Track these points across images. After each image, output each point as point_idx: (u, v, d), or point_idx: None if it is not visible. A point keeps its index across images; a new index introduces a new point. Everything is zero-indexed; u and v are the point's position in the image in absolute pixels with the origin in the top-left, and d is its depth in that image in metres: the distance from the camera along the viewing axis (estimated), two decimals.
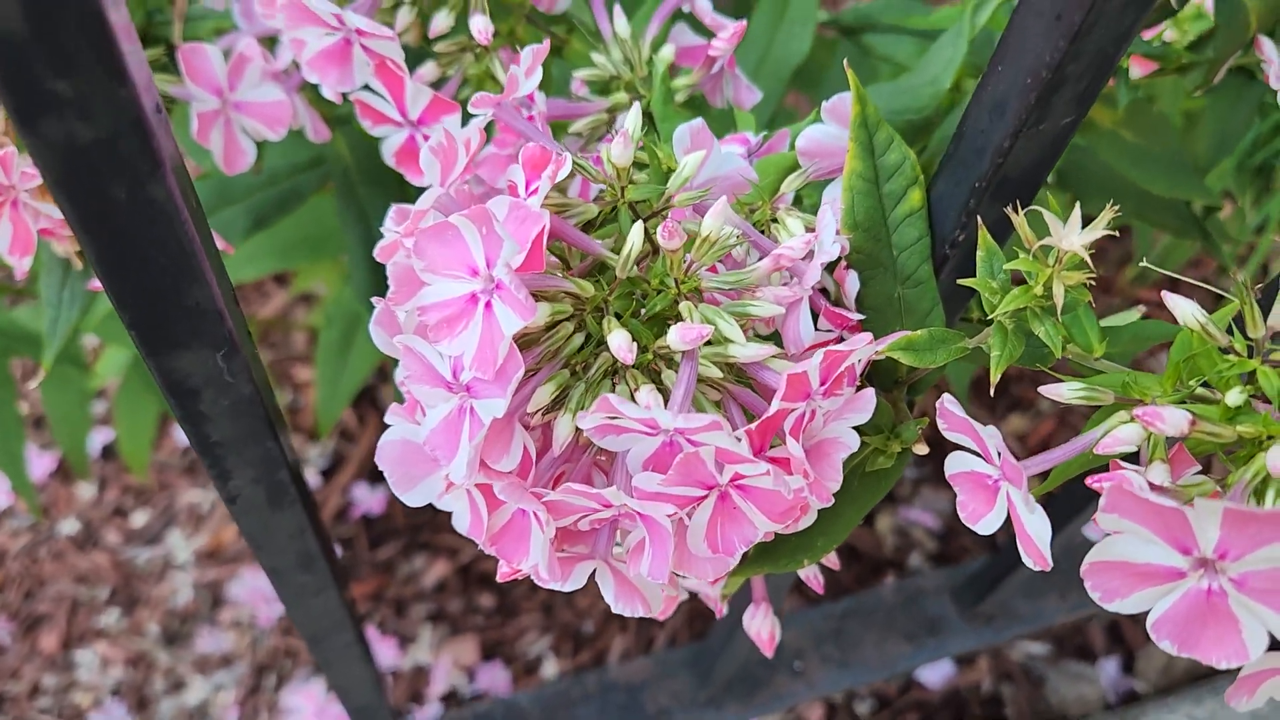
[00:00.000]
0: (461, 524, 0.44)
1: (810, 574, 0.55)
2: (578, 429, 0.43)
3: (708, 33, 0.60)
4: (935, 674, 1.39)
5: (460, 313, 0.40)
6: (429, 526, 1.52)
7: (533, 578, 0.43)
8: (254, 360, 0.40)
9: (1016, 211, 0.41)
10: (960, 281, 0.43)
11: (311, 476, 1.56)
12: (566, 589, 0.43)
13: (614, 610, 0.44)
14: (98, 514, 1.57)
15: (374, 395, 1.62)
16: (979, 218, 0.46)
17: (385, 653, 1.41)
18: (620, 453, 0.42)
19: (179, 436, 1.62)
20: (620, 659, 1.43)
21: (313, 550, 0.53)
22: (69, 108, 0.28)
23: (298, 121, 0.64)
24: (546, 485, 0.44)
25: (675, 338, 0.40)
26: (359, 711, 0.78)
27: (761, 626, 0.58)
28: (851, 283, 0.48)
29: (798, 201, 0.52)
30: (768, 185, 0.51)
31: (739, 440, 0.41)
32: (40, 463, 1.59)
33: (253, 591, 1.47)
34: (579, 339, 0.43)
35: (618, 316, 0.43)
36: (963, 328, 0.53)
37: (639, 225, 0.42)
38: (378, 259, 0.45)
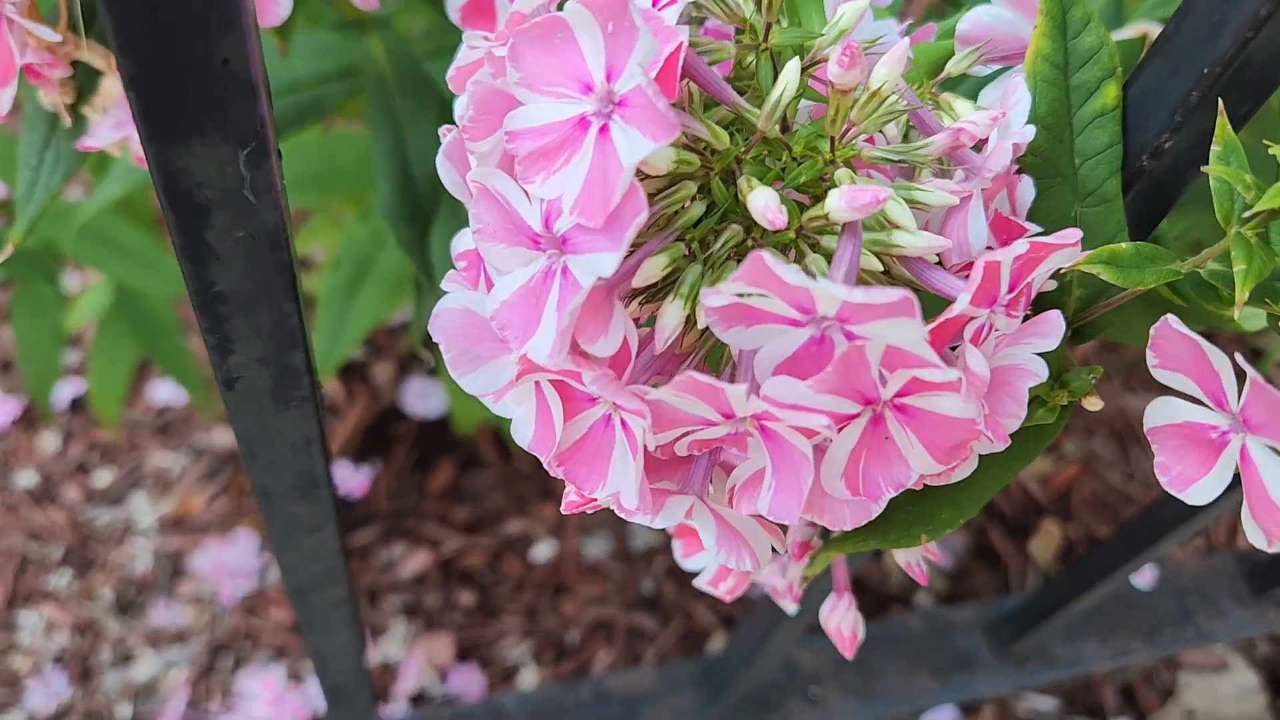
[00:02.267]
0: (523, 434, 0.34)
1: (914, 559, 0.45)
2: (687, 323, 0.33)
3: None
4: (940, 717, 1.30)
5: (564, 141, 0.30)
6: (413, 514, 1.41)
7: (613, 507, 0.33)
8: (282, 179, 0.31)
9: None
10: (1207, 170, 0.33)
11: None
12: (657, 524, 0.33)
13: (714, 556, 0.35)
14: (59, 468, 1.46)
15: (365, 369, 1.52)
16: (1196, 123, 0.37)
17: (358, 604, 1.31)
18: (744, 353, 0.33)
19: (153, 394, 1.51)
20: (605, 672, 1.32)
21: (317, 472, 0.43)
22: None
23: None
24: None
25: (840, 203, 0.30)
26: (335, 690, 0.67)
27: (843, 621, 0.48)
28: (1025, 190, 0.39)
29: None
30: (918, 74, 0.42)
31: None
32: (3, 407, 1.48)
33: (217, 565, 1.36)
34: (699, 207, 0.34)
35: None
36: None
37: (795, 62, 0.33)
38: (451, 87, 0.35)
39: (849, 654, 0.48)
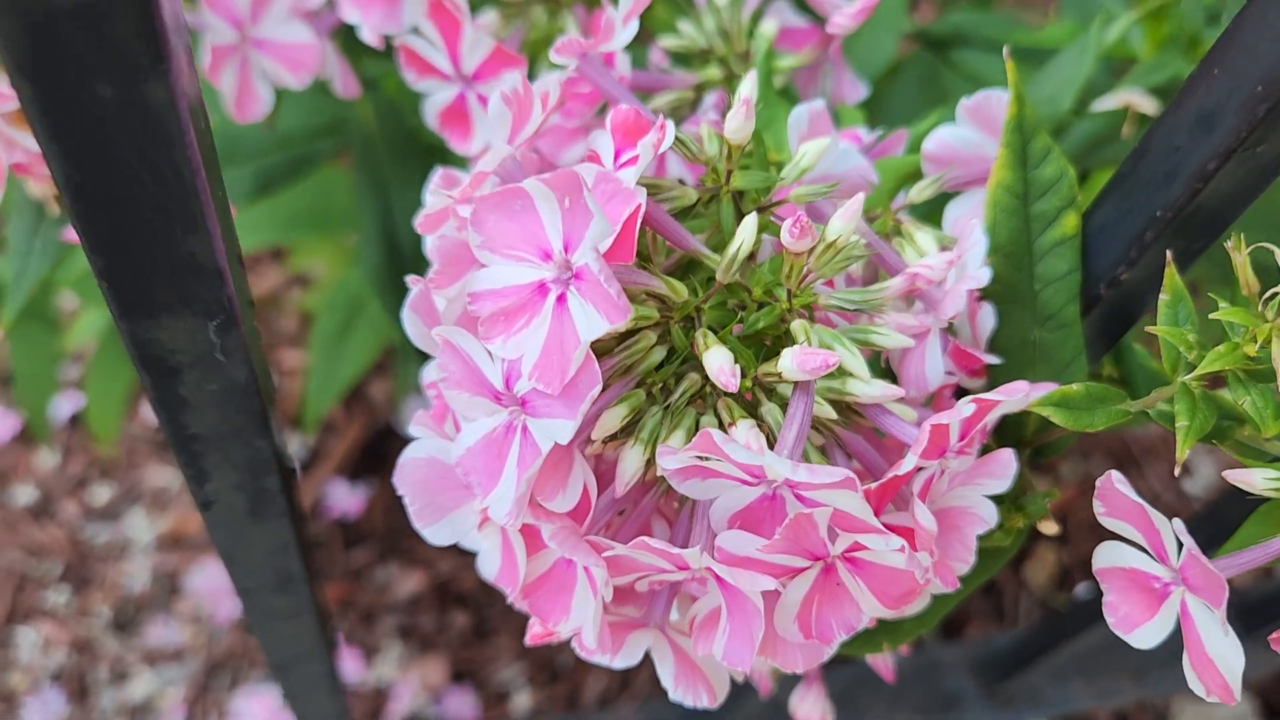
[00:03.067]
0: (489, 568, 0.35)
1: (881, 659, 0.46)
2: (647, 464, 0.34)
3: (811, 13, 0.52)
4: None
5: (523, 305, 0.31)
6: (408, 535, 1.42)
7: (574, 646, 0.34)
8: (253, 338, 0.32)
9: (1239, 250, 0.32)
10: (1151, 329, 0.34)
11: None
12: (617, 665, 0.34)
13: (671, 697, 0.36)
14: (57, 485, 1.47)
15: (363, 388, 1.53)
16: (1149, 258, 0.38)
17: (349, 665, 1.32)
18: (701, 502, 0.34)
19: (151, 410, 1.52)
20: (598, 696, 1.34)
21: (294, 570, 0.44)
22: None
23: (325, 71, 0.55)
24: (602, 532, 0.35)
25: (792, 364, 0.31)
26: None
27: (812, 711, 0.49)
28: (985, 318, 0.40)
29: (914, 214, 0.44)
30: (883, 192, 0.43)
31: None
32: (3, 423, 1.49)
33: (213, 584, 1.37)
34: (660, 353, 0.34)
35: (712, 330, 0.34)
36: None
37: (752, 217, 0.33)
38: (419, 230, 0.36)
39: None
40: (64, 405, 1.51)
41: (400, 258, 0.69)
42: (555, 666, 1.35)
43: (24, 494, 1.46)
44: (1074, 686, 1.02)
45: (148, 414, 1.52)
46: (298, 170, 0.77)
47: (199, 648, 1.36)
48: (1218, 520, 0.38)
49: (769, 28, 0.48)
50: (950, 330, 0.41)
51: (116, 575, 1.41)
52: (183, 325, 0.29)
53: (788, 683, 0.63)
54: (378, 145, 0.73)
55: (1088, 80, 0.62)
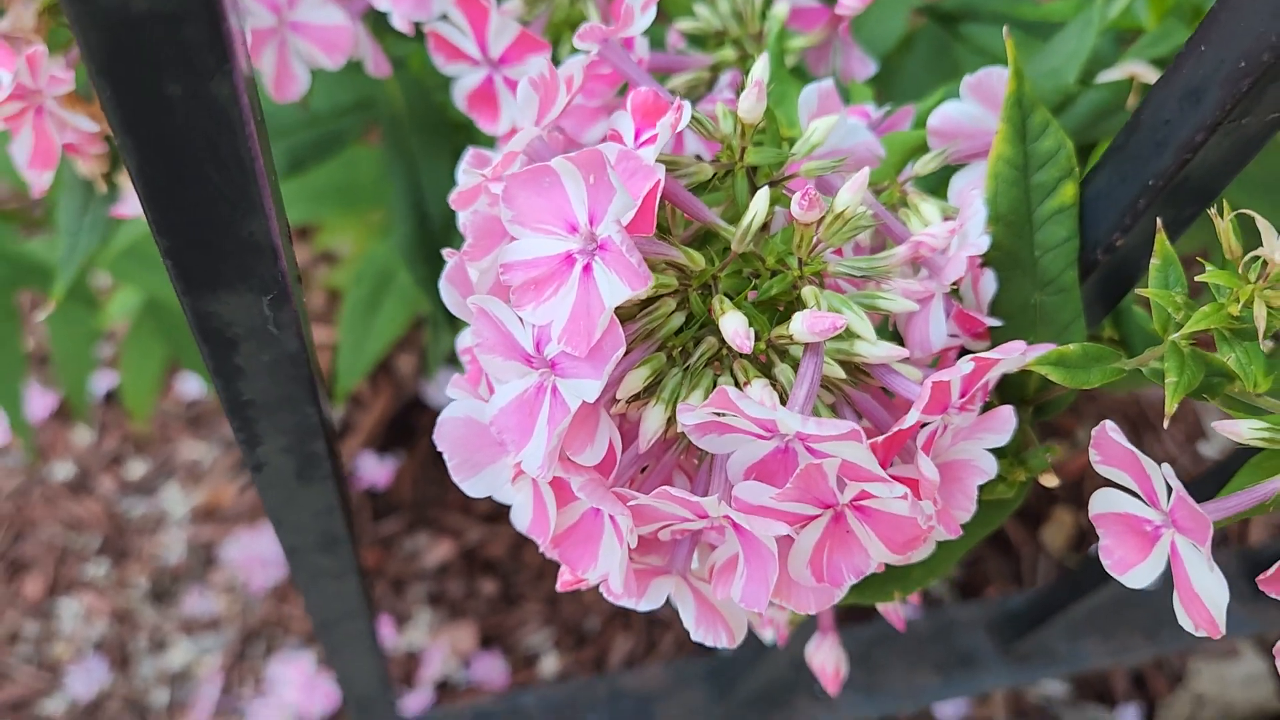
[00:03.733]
0: (521, 519, 0.38)
1: (892, 609, 0.49)
2: (668, 422, 0.37)
3: None
4: (949, 706, 1.33)
5: (552, 274, 0.34)
6: (436, 504, 1.45)
7: (601, 591, 0.37)
8: (302, 312, 0.34)
9: (1221, 216, 0.34)
10: (1140, 291, 0.36)
11: None
12: (641, 608, 0.37)
13: (693, 637, 0.38)
14: (94, 460, 1.51)
15: (389, 362, 1.56)
16: (1143, 225, 0.40)
17: (380, 632, 1.36)
18: (718, 456, 0.36)
19: (184, 387, 1.56)
20: (624, 659, 1.37)
21: (338, 531, 0.47)
22: None
23: (357, 52, 0.58)
24: (625, 485, 0.38)
25: (802, 327, 0.34)
26: (359, 701, 0.72)
27: (828, 659, 0.52)
28: (987, 283, 0.42)
29: (920, 186, 0.46)
30: (891, 165, 0.45)
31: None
32: (41, 402, 1.53)
33: (247, 555, 1.41)
34: (679, 319, 0.37)
35: (728, 297, 0.36)
36: None
37: (764, 192, 0.36)
38: (453, 206, 0.39)
39: (832, 690, 0.52)
40: (99, 383, 1.55)
41: (430, 230, 0.71)
42: (582, 630, 1.39)
43: (62, 470, 1.50)
44: (1089, 644, 1.04)
45: (180, 390, 1.56)
46: (328, 148, 0.79)
47: (234, 617, 1.40)
48: (1226, 475, 0.41)
49: (781, 9, 0.50)
50: (955, 295, 0.43)
51: (153, 547, 1.45)
52: (240, 300, 0.32)
53: (803, 638, 0.66)
54: (405, 122, 0.76)
55: (1092, 54, 0.64)
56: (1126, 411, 1.62)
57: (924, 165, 0.43)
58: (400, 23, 0.50)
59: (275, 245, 0.30)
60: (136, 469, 1.51)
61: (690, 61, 0.50)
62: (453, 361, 0.76)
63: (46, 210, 1.12)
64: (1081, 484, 1.54)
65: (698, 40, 0.52)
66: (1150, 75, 0.63)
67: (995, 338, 0.43)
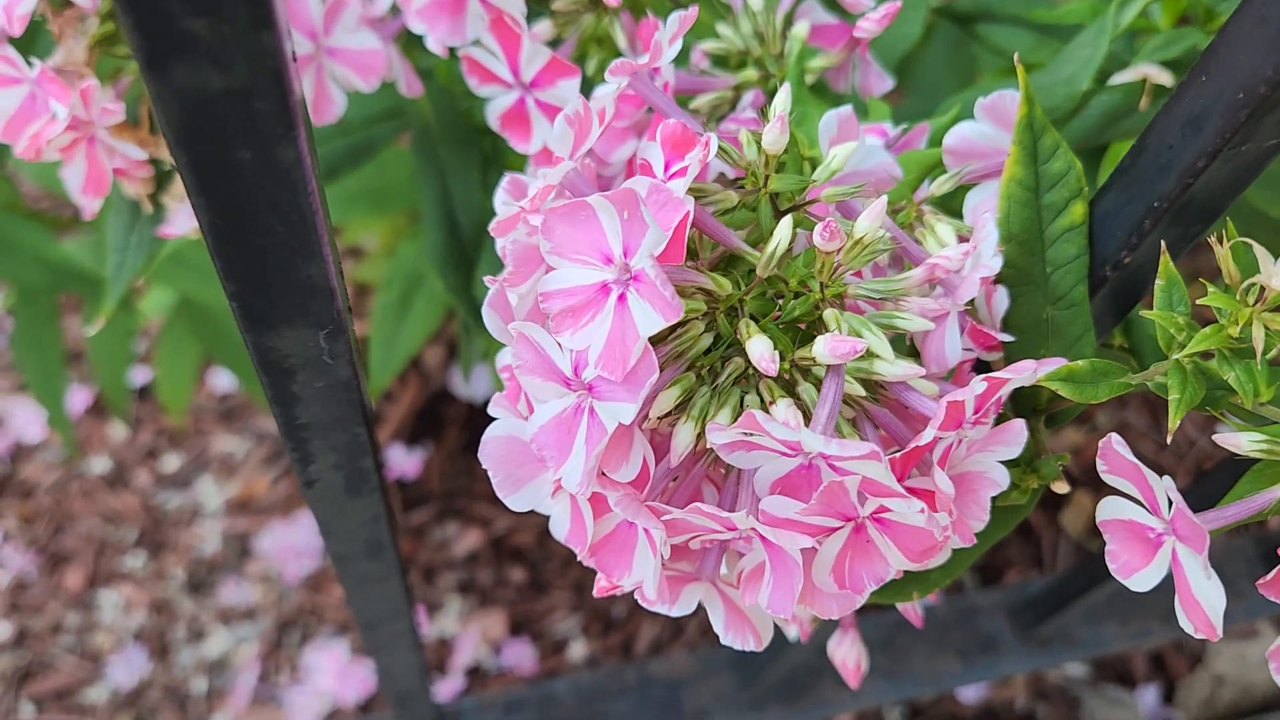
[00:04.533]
0: (560, 529, 0.40)
1: (910, 607, 0.51)
2: (698, 438, 0.39)
3: (840, 10, 0.56)
4: (970, 688, 1.35)
5: (588, 303, 0.36)
6: (464, 494, 1.48)
7: (636, 597, 0.39)
8: (353, 341, 0.36)
9: (1221, 243, 0.36)
10: (1145, 314, 0.38)
11: None
12: (674, 613, 0.39)
13: (723, 640, 0.41)
14: (130, 454, 1.55)
15: (417, 355, 1.59)
16: (1151, 244, 0.42)
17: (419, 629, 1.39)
18: (746, 470, 0.38)
19: (217, 382, 1.59)
20: (650, 644, 1.40)
21: (383, 539, 0.50)
22: (204, 52, 0.24)
23: (390, 73, 0.60)
24: (659, 497, 0.40)
25: (824, 350, 0.36)
26: (400, 696, 0.75)
27: (849, 654, 0.54)
28: (1000, 299, 0.44)
29: (936, 203, 0.48)
30: (907, 184, 0.47)
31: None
32: (77, 397, 1.57)
33: (281, 546, 1.45)
34: (707, 339, 0.39)
35: (754, 319, 0.39)
36: (1103, 354, 0.49)
37: (788, 220, 0.38)
38: (493, 234, 0.41)
39: (853, 684, 0.54)
40: (134, 378, 1.58)
41: (460, 238, 0.73)
42: (610, 617, 1.41)
43: (99, 464, 1.53)
44: (1107, 628, 1.06)
45: (214, 384, 1.59)
46: (359, 156, 0.81)
47: (270, 606, 1.43)
48: (1240, 469, 0.42)
49: (801, 29, 0.52)
50: (971, 311, 0.45)
51: (189, 539, 1.48)
52: (298, 335, 0.34)
53: (827, 630, 0.68)
54: (434, 132, 0.78)
55: (1106, 60, 0.65)
56: (1146, 396, 1.63)
57: (939, 186, 0.45)
58: (435, 46, 0.52)
59: (332, 286, 0.32)
60: (171, 462, 1.54)
61: (714, 83, 0.52)
62: (484, 363, 0.78)
63: (76, 211, 1.15)
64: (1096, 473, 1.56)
65: (721, 60, 0.54)
66: (1162, 77, 0.64)
67: (1009, 351, 0.45)
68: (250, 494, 1.51)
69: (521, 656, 1.37)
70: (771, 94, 0.52)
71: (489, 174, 0.75)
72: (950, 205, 0.49)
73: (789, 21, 0.54)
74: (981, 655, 1.05)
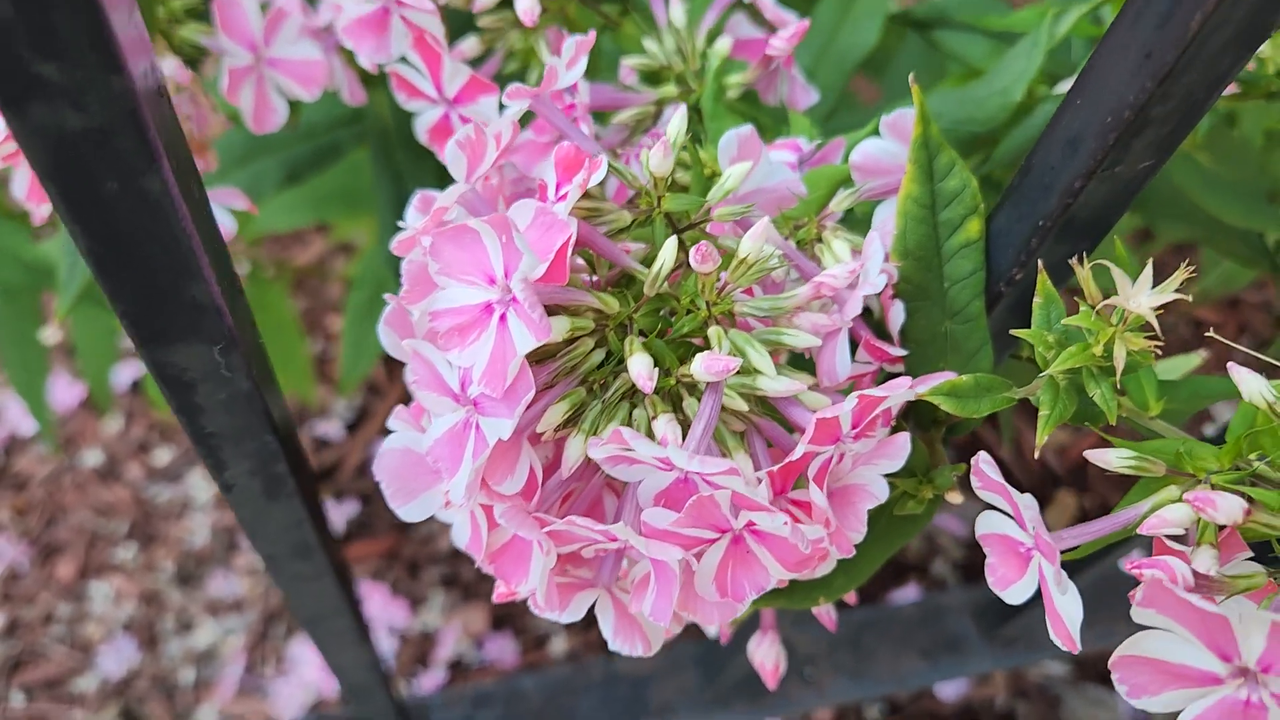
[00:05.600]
0: (460, 538, 0.42)
1: (823, 610, 0.52)
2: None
3: (768, 25, 0.57)
4: (949, 685, 1.37)
5: (473, 322, 0.37)
6: None
7: (529, 604, 0.41)
8: (256, 352, 0.38)
9: (1081, 263, 0.38)
10: (1014, 332, 0.39)
11: (336, 430, 1.55)
12: (564, 619, 0.41)
13: (611, 647, 0.42)
14: (122, 448, 1.57)
15: None
16: (1040, 259, 0.43)
17: (395, 614, 1.41)
18: (632, 483, 0.40)
19: None
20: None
21: (309, 541, 0.51)
22: (58, 94, 0.25)
23: (333, 82, 0.61)
24: (554, 505, 0.42)
25: (700, 369, 0.37)
26: (354, 689, 0.76)
27: (766, 656, 0.55)
28: (896, 314, 0.45)
29: (849, 213, 0.49)
30: (816, 199, 0.48)
31: (759, 482, 0.38)
32: (71, 391, 1.59)
33: None
34: (599, 355, 0.41)
35: (642, 335, 0.40)
36: (1012, 366, 0.50)
37: (671, 242, 0.39)
38: (394, 252, 0.42)
39: (771, 685, 0.55)
40: (125, 373, 1.60)
41: None
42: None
43: (92, 457, 1.56)
44: None
45: None
46: (323, 159, 0.83)
47: (256, 599, 1.45)
48: None
49: (722, 46, 0.53)
50: (868, 315, 0.46)
51: (179, 532, 1.50)
52: (192, 350, 0.36)
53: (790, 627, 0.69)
54: (392, 137, 0.79)
55: (1056, 65, 0.66)
56: None
57: (839, 203, 0.46)
58: (364, 62, 0.53)
59: (218, 305, 0.34)
60: (162, 456, 1.56)
61: (635, 99, 0.53)
62: None
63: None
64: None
65: (650, 74, 0.55)
66: None
67: (909, 364, 0.46)
68: None
69: (503, 650, 1.39)
70: (694, 108, 0.53)
71: (445, 179, 0.76)
72: (864, 220, 0.51)
73: (715, 35, 0.55)
74: (947, 655, 1.06)
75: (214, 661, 1.41)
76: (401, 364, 1.33)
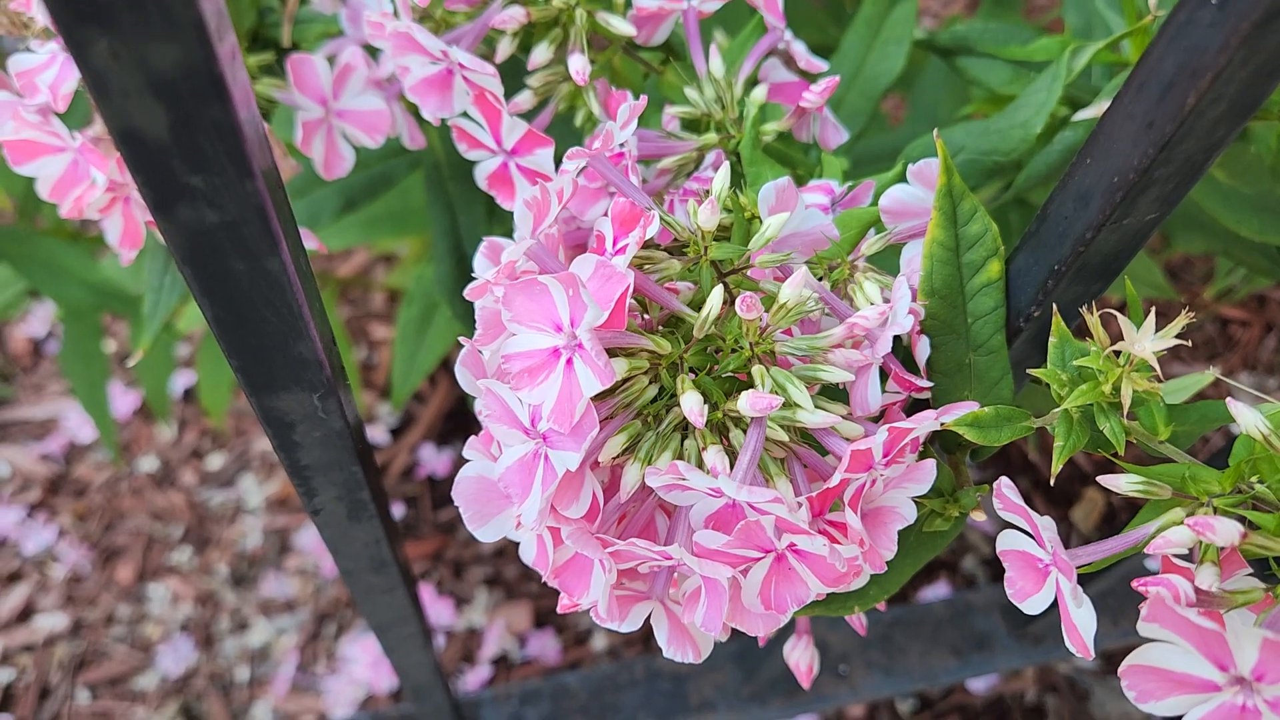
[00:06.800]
0: (528, 555, 0.46)
1: (856, 618, 0.56)
2: (645, 477, 0.44)
3: (801, 69, 0.61)
4: (980, 679, 1.40)
5: (542, 364, 0.42)
6: None
7: (591, 615, 0.45)
8: (346, 396, 0.43)
9: (1091, 311, 0.42)
10: (1032, 372, 0.44)
11: (380, 435, 1.60)
12: (623, 629, 0.45)
13: (665, 654, 0.46)
14: (176, 454, 1.63)
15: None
16: (1054, 300, 0.47)
17: (441, 613, 1.46)
18: (684, 506, 0.44)
19: None
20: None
21: (385, 557, 0.56)
22: (200, 197, 0.30)
23: (395, 129, 0.66)
24: (612, 526, 0.46)
25: (746, 405, 0.42)
26: (415, 689, 0.81)
27: (801, 658, 0.60)
28: (923, 348, 0.49)
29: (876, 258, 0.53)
30: (848, 240, 0.52)
31: (800, 506, 0.42)
32: (125, 400, 1.65)
33: (319, 541, 1.52)
34: (653, 391, 0.45)
35: (692, 372, 0.44)
36: (1033, 390, 0.54)
37: (718, 290, 0.43)
38: (468, 298, 0.47)
39: (805, 685, 0.59)
40: (178, 382, 1.66)
41: (467, 269, 0.79)
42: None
43: (147, 463, 1.62)
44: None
45: None
46: (376, 188, 0.87)
47: (308, 598, 1.51)
48: None
49: (759, 94, 0.57)
50: (898, 343, 0.50)
51: (232, 535, 1.56)
52: (295, 397, 0.40)
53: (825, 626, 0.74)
54: (444, 169, 0.84)
55: (1078, 91, 0.70)
56: None
57: (870, 247, 0.50)
58: (428, 117, 0.58)
59: (320, 359, 0.38)
60: (215, 461, 1.62)
61: (679, 146, 0.57)
62: None
63: None
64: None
65: (691, 122, 0.60)
66: None
67: (936, 393, 0.50)
68: (289, 492, 1.59)
69: (545, 647, 1.44)
70: (733, 153, 0.57)
71: (494, 209, 0.81)
72: (894, 256, 0.55)
73: (753, 83, 0.59)
74: (976, 652, 1.10)
75: (268, 660, 1.47)
76: (444, 371, 1.37)
